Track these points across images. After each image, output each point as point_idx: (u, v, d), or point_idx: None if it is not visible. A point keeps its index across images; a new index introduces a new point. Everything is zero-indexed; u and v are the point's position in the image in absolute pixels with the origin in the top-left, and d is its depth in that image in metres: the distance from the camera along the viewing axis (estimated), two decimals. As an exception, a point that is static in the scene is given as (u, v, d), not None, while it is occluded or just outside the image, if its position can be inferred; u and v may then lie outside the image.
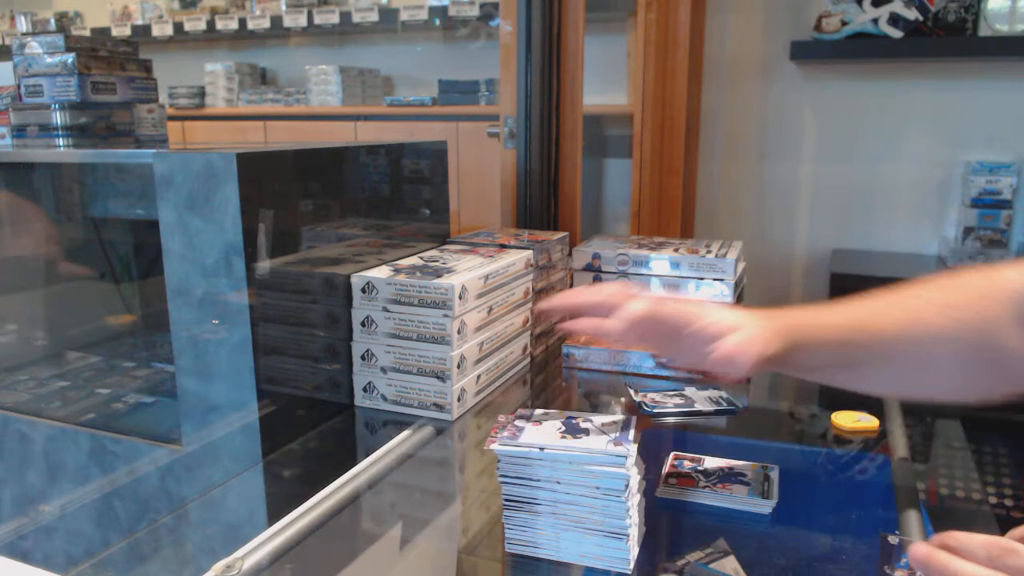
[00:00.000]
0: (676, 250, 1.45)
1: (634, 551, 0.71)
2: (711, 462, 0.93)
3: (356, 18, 3.30)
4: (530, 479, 0.71)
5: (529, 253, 1.29)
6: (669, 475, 0.89)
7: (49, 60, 1.33)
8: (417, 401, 1.08)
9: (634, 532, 0.70)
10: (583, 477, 0.69)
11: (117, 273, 1.62)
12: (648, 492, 0.85)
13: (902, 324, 0.65)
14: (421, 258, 1.22)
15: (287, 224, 1.02)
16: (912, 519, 0.78)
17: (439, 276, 1.07)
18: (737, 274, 1.40)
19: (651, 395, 1.16)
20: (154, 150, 1.06)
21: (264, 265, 0.96)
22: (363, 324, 1.09)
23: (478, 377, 1.13)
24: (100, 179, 1.48)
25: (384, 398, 1.10)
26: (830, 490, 0.92)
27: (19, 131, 1.39)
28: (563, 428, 0.74)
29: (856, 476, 0.95)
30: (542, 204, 1.77)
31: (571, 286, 1.50)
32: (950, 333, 0.62)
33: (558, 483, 0.70)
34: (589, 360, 1.30)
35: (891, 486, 0.88)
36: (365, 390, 1.11)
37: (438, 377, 1.06)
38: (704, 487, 0.86)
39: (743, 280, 1.50)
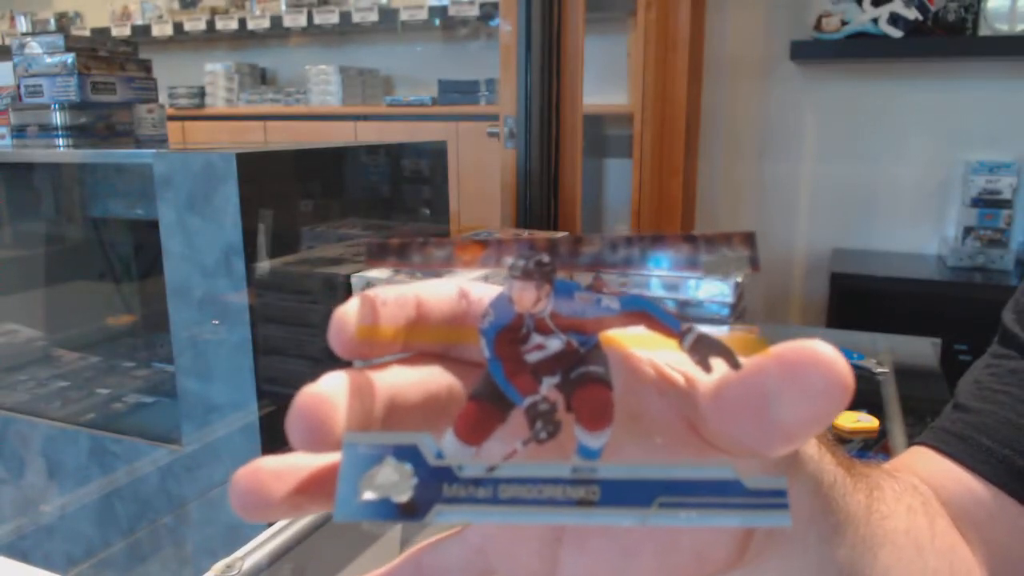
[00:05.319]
0: (676, 250, 1.45)
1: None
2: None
3: (356, 18, 3.30)
4: None
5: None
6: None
7: (49, 60, 1.33)
8: (417, 401, 1.08)
9: None
10: None
11: (117, 273, 1.62)
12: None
13: None
14: (421, 258, 1.21)
15: (287, 224, 1.02)
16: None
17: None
18: (737, 274, 1.39)
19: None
20: (154, 150, 1.06)
21: (264, 265, 0.96)
22: (363, 324, 1.08)
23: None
24: (100, 179, 1.48)
25: (384, 398, 1.10)
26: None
27: (19, 131, 1.39)
28: None
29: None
30: (542, 204, 1.77)
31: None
32: None
33: None
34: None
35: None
36: (365, 390, 1.11)
37: (438, 377, 1.05)
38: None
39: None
